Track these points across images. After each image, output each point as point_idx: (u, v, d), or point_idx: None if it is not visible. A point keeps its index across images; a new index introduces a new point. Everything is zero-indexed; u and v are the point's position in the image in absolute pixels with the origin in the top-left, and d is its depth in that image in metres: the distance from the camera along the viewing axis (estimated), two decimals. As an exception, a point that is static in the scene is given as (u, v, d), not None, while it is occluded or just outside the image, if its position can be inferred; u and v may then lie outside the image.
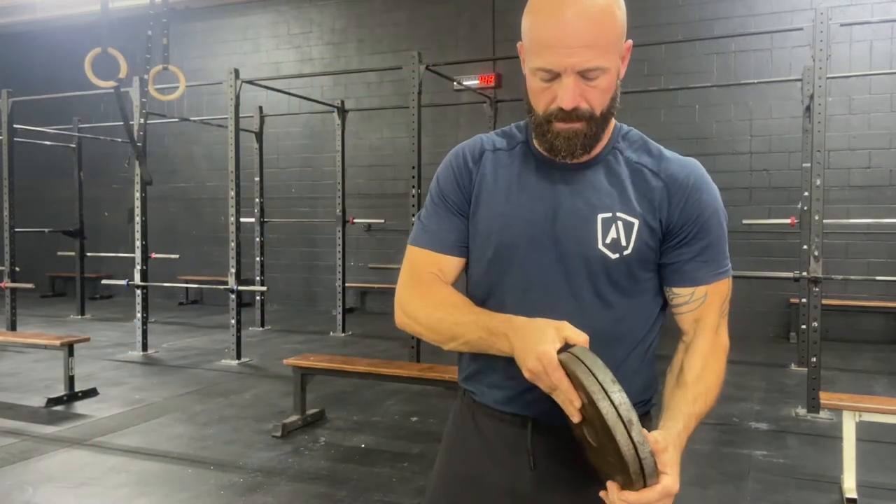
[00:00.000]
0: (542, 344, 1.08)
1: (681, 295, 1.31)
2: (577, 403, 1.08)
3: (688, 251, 1.28)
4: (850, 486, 3.40)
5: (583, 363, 1.05)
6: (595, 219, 1.25)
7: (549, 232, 1.27)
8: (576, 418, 1.09)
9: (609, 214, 1.25)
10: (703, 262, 1.29)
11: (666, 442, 1.13)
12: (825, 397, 3.61)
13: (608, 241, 1.25)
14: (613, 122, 1.30)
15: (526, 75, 1.25)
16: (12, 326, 7.96)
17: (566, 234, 1.26)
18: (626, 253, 1.25)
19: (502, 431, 1.32)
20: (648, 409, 1.38)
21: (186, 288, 11.27)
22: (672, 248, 1.29)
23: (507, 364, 1.19)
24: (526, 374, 1.11)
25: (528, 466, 1.29)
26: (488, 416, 1.34)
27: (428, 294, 1.31)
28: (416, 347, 5.89)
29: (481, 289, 1.34)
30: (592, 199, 1.26)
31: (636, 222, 1.25)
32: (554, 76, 1.18)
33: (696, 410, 1.27)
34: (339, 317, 8.57)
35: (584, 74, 1.17)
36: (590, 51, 1.15)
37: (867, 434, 4.10)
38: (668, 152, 1.32)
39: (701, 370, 1.29)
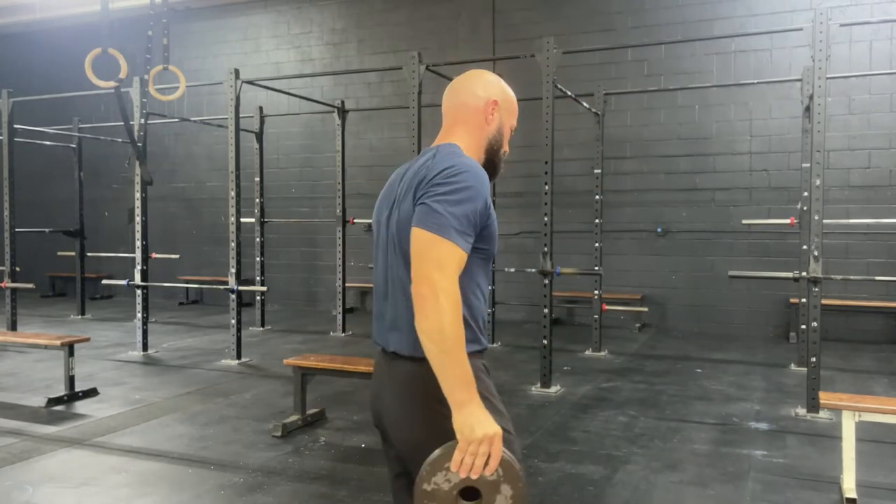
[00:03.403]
0: (497, 428, 1.50)
1: None
2: (493, 468, 1.49)
3: None
4: (849, 486, 3.40)
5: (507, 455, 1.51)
6: None
7: None
8: (468, 472, 1.48)
9: None
10: None
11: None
12: (825, 397, 3.60)
13: None
14: None
15: (503, 125, 1.86)
16: (13, 326, 7.96)
17: None
18: None
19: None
20: None
21: (186, 288, 11.28)
22: None
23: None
24: (479, 433, 1.47)
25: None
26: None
27: (458, 305, 1.55)
28: (416, 347, 5.89)
29: (481, 278, 1.72)
30: None
31: None
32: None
33: None
34: (339, 317, 8.57)
35: None
36: None
37: (867, 434, 4.10)
38: None
39: None
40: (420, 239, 1.56)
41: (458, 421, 1.48)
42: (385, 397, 1.74)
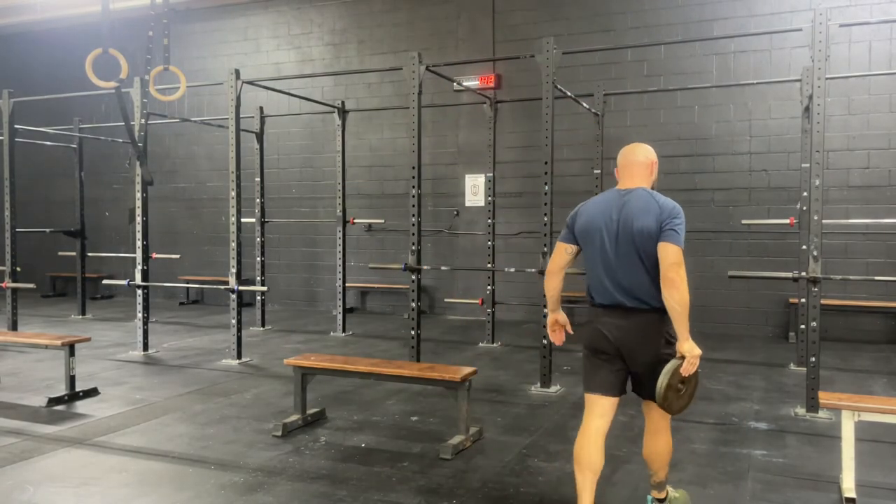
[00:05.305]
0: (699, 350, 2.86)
1: None
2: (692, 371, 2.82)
3: None
4: (848, 486, 3.40)
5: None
6: None
7: None
8: (688, 374, 2.81)
9: None
10: None
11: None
12: (824, 397, 3.61)
13: None
14: None
15: (657, 174, 3.08)
16: (13, 326, 7.97)
17: None
18: None
19: None
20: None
21: (187, 288, 11.29)
22: None
23: None
24: (697, 352, 2.80)
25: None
26: None
27: (687, 286, 2.85)
28: (417, 347, 5.91)
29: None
30: None
31: None
32: None
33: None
34: (340, 317, 8.58)
35: None
36: None
37: (866, 434, 4.12)
38: None
39: None
40: (672, 250, 2.77)
41: (687, 346, 2.78)
42: (627, 331, 2.89)
